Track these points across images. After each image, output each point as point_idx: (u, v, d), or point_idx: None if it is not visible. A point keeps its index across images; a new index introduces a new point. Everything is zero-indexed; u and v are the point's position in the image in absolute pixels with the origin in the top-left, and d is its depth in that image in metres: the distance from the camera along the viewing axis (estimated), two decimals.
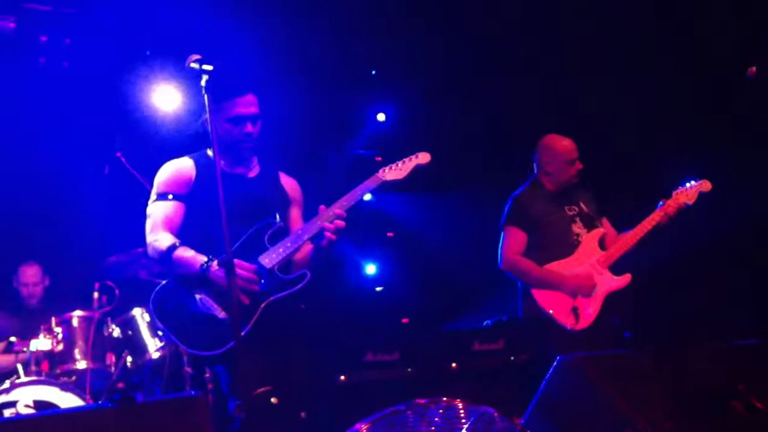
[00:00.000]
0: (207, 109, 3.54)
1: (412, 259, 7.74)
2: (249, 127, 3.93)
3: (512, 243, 5.04)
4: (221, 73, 3.59)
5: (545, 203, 5.10)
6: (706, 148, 6.33)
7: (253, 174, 4.10)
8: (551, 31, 6.84)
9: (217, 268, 3.61)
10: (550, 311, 4.85)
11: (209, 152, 4.02)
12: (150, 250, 3.85)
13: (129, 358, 5.50)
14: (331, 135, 7.77)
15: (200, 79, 3.54)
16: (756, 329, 5.73)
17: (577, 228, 5.06)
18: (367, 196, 7.39)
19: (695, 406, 2.83)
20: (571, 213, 5.09)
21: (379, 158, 7.61)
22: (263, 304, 3.68)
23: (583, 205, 5.15)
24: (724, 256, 6.43)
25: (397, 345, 6.47)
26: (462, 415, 2.69)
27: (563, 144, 5.15)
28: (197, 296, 3.70)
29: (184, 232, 3.88)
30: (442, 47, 7.25)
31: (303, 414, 3.73)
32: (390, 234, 7.83)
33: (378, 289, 7.70)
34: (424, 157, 4.15)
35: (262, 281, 3.71)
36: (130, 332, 5.57)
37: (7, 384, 5.11)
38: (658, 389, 2.86)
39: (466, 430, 2.63)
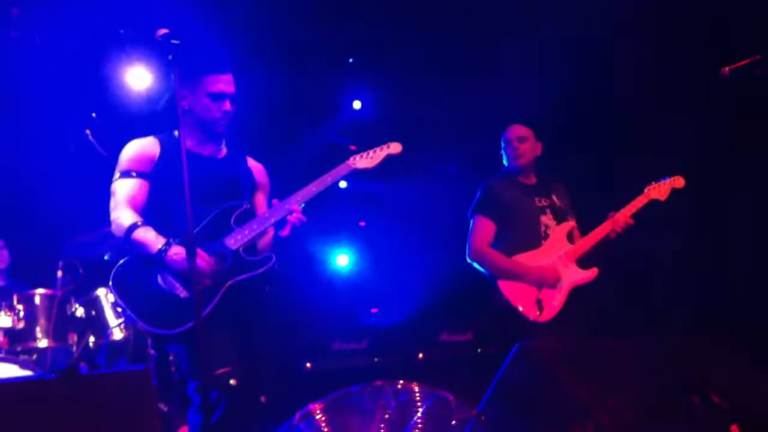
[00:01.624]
0: (174, 84, 3.52)
1: (384, 249, 7.70)
2: (227, 105, 3.94)
3: (480, 233, 5.02)
4: (205, 47, 3.58)
5: (514, 193, 5.09)
6: (683, 143, 6.35)
7: (220, 155, 4.07)
8: (531, 24, 6.82)
9: (174, 252, 3.57)
10: (516, 303, 4.81)
11: (176, 132, 3.98)
12: (113, 227, 3.83)
13: (92, 338, 5.43)
14: (307, 121, 7.72)
15: (168, 53, 3.51)
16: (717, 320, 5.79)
17: (547, 219, 5.04)
18: (342, 184, 7.48)
19: (653, 397, 2.81)
20: (541, 204, 5.08)
21: (354, 146, 7.57)
22: (226, 285, 3.65)
23: (555, 198, 5.14)
24: (690, 246, 6.46)
25: (365, 334, 6.50)
26: (418, 398, 2.66)
27: (509, 128, 5.23)
28: (159, 274, 3.66)
29: (148, 211, 3.85)
30: (421, 35, 7.21)
31: (263, 398, 3.70)
32: (362, 223, 7.79)
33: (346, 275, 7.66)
34: (395, 147, 4.16)
35: (226, 263, 3.68)
36: (93, 312, 5.51)
37: None
38: (618, 378, 2.85)
39: (422, 413, 2.60)
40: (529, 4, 6.77)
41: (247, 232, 3.77)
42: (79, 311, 5.49)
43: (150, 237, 3.68)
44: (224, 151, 4.09)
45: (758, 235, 6.09)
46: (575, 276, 4.89)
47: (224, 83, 3.92)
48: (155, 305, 3.61)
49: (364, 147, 4.25)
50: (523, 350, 2.71)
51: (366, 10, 7.06)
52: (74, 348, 5.43)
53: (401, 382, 2.74)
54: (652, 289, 6.42)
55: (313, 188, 3.88)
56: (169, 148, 3.94)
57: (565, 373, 2.66)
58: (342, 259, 7.65)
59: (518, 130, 5.21)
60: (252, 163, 4.19)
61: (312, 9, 6.88)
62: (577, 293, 4.87)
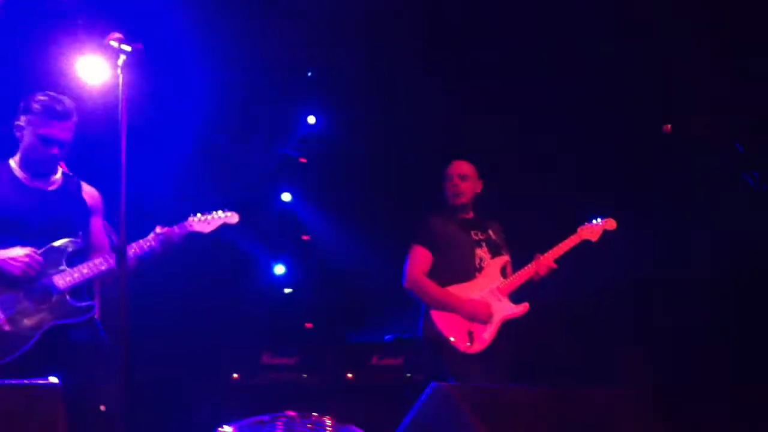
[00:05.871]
0: (120, 89, 3.41)
1: (325, 265, 7.69)
2: (55, 150, 3.81)
3: (417, 262, 5.06)
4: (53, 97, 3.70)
5: (452, 226, 5.14)
6: (618, 188, 6.45)
7: (53, 187, 3.93)
8: (488, 45, 6.88)
9: None
10: (447, 334, 4.86)
11: (11, 162, 3.89)
12: None
13: None
14: (261, 133, 7.64)
15: (118, 58, 3.40)
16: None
17: (482, 252, 5.09)
18: (287, 197, 7.44)
19: None
20: (477, 238, 5.13)
21: (304, 159, 7.54)
22: (45, 327, 3.60)
23: (491, 233, 5.19)
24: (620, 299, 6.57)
25: (297, 349, 6.45)
26: None
27: (451, 163, 5.24)
28: None
29: None
30: (381, 52, 7.21)
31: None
32: (305, 237, 7.76)
33: (287, 290, 7.63)
34: (232, 217, 4.19)
35: (49, 301, 3.64)
36: None
37: None
38: (529, 427, 2.88)
39: None
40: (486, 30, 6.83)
41: (77, 275, 3.72)
42: None
43: None
44: (57, 182, 3.95)
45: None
46: (507, 310, 4.95)
47: (58, 129, 3.79)
48: None
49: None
50: (436, 391, 2.73)
51: (327, 23, 7.03)
52: None
53: (314, 414, 2.74)
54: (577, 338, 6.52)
55: (151, 242, 3.92)
56: None
57: (476, 419, 2.69)
58: (279, 269, 7.61)
59: (460, 167, 5.21)
60: (86, 189, 4.05)
61: (272, 21, 6.84)
62: (509, 327, 4.93)
